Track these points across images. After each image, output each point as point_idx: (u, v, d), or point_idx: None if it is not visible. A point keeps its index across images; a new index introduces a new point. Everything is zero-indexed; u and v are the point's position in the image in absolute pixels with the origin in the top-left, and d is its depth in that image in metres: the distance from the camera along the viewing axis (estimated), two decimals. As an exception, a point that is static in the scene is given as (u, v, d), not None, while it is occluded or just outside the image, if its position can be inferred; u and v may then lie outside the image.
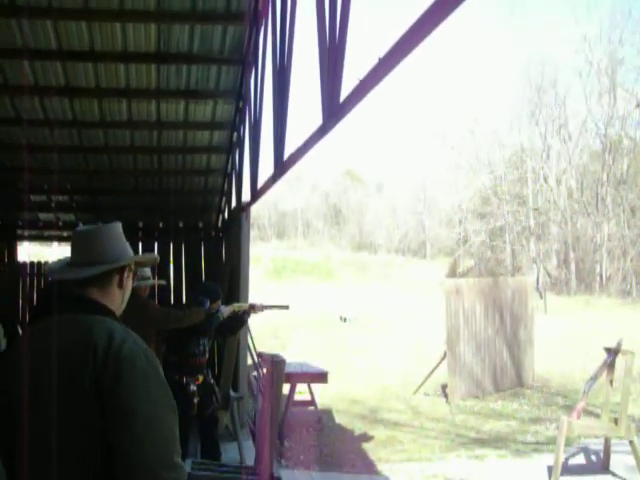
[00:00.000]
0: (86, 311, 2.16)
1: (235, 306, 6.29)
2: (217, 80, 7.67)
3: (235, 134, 8.66)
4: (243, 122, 8.10)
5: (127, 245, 2.38)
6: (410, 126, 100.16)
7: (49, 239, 12.12)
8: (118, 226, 2.39)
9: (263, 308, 6.34)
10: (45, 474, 1.97)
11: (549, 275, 44.97)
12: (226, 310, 6.03)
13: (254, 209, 8.41)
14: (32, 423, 1.99)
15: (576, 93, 48.48)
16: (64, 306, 2.19)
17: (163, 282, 8.50)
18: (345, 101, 3.27)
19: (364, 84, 3.00)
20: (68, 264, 2.33)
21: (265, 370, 4.95)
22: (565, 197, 45.67)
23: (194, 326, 5.77)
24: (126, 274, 2.32)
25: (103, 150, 9.00)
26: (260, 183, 6.82)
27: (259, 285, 34.07)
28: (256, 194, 7.00)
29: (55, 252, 26.37)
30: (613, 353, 7.99)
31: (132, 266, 2.38)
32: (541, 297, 30.95)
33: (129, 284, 2.37)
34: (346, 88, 3.26)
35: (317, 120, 3.73)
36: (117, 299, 2.31)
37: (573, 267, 43.86)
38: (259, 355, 8.98)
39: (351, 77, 3.11)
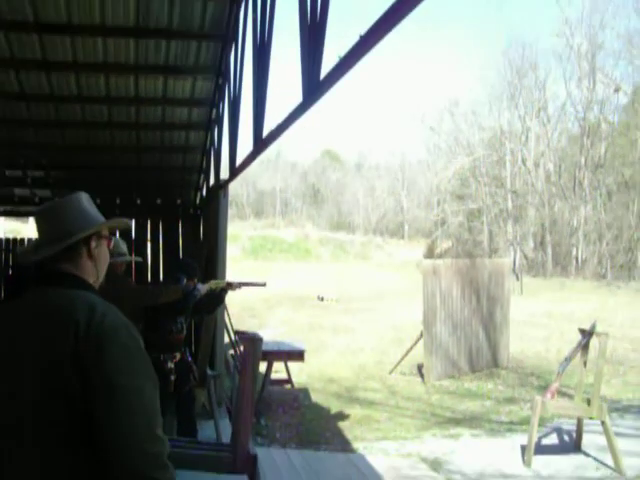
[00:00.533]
0: (64, 286, 2.13)
1: (212, 283, 6.25)
2: (196, 56, 7.58)
3: (214, 111, 8.60)
4: (222, 99, 8.04)
5: (91, 214, 2.29)
6: (389, 106, 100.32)
7: (25, 215, 11.99)
8: (78, 197, 2.30)
9: (240, 285, 6.31)
10: (23, 451, 1.96)
11: (526, 257, 45.36)
12: (203, 288, 5.99)
13: (232, 187, 8.38)
14: (10, 399, 1.98)
15: (556, 76, 48.67)
16: (42, 282, 2.16)
17: (139, 259, 8.45)
18: (325, 78, 3.25)
19: (345, 61, 2.98)
20: (37, 245, 2.27)
21: (243, 348, 4.95)
22: (543, 180, 45.99)
23: (171, 304, 5.74)
24: (93, 244, 2.24)
25: (80, 125, 8.89)
26: (239, 160, 6.78)
27: (237, 263, 34.11)
28: (235, 171, 6.97)
29: (31, 228, 26.12)
30: (587, 335, 8.07)
31: (102, 233, 2.31)
32: (517, 279, 31.25)
33: (101, 254, 2.29)
34: (326, 65, 3.25)
35: (297, 97, 3.71)
36: (91, 271, 2.25)
37: (549, 250, 44.29)
38: (237, 333, 8.98)
39: (332, 54, 3.09)
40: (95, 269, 2.26)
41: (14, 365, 1.99)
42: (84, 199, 2.31)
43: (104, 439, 1.92)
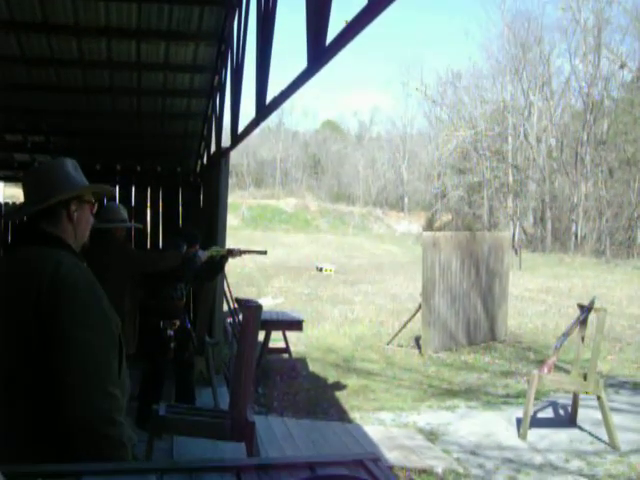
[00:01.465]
0: (40, 243, 2.22)
1: (213, 250, 6.24)
2: (199, 21, 7.47)
3: (216, 78, 8.52)
4: (225, 65, 7.96)
5: (73, 179, 2.35)
6: (391, 77, 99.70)
7: (24, 180, 11.93)
8: (61, 162, 2.38)
9: (241, 253, 6.30)
10: None
11: (525, 232, 45.39)
12: (204, 254, 5.99)
13: (233, 157, 8.31)
14: None
15: (561, 51, 48.33)
16: (22, 240, 2.27)
17: (139, 225, 8.43)
18: (331, 44, 3.20)
19: (351, 27, 2.92)
20: (20, 206, 2.41)
21: (242, 316, 4.95)
22: (544, 155, 45.85)
23: (171, 270, 5.74)
24: (73, 207, 2.32)
25: (81, 90, 8.80)
26: (240, 128, 6.73)
27: (236, 233, 34.11)
28: (237, 139, 6.91)
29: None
30: (586, 310, 8.08)
31: (85, 198, 2.38)
32: (516, 254, 31.26)
33: (82, 218, 2.36)
34: (333, 30, 3.19)
35: (302, 63, 3.65)
36: (70, 233, 2.32)
37: (549, 225, 44.30)
38: (236, 301, 8.99)
39: (338, 19, 3.04)
40: (74, 232, 2.34)
41: None
42: (68, 164, 2.39)
43: (56, 390, 2.01)
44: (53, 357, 2.01)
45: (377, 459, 1.74)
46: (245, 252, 6.37)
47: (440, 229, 45.57)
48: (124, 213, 5.88)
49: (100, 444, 2.01)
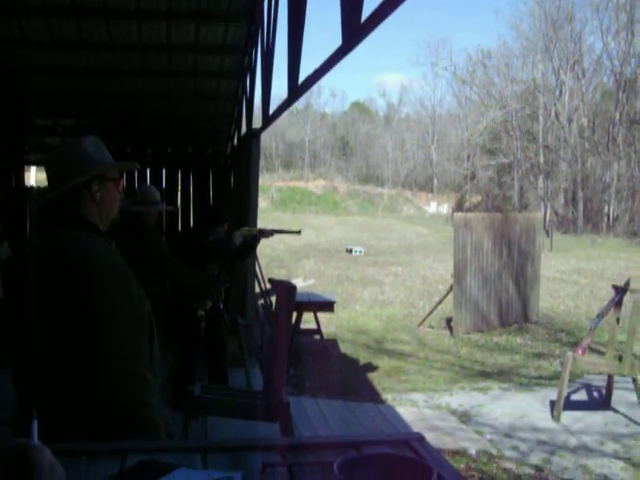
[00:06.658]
0: (66, 225, 2.20)
1: (244, 231, 6.21)
2: (229, 1, 7.43)
3: (246, 59, 8.48)
4: (255, 46, 7.91)
5: (92, 158, 2.28)
6: (420, 58, 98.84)
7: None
8: (79, 142, 2.31)
9: (272, 233, 6.25)
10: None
11: (556, 213, 44.94)
12: (238, 238, 5.95)
13: (262, 139, 8.27)
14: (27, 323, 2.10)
15: (592, 28, 47.57)
16: (48, 221, 2.24)
17: (172, 208, 8.42)
18: (367, 21, 3.13)
19: (389, 1, 2.85)
20: (45, 189, 2.37)
21: (276, 296, 4.94)
22: (576, 135, 45.26)
23: (204, 252, 5.73)
24: (95, 187, 2.26)
25: (111, 73, 8.81)
26: (272, 109, 6.69)
27: (265, 215, 34.17)
28: (268, 120, 6.88)
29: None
30: (621, 291, 7.97)
31: (107, 175, 2.32)
32: (548, 235, 30.96)
33: (105, 197, 2.31)
34: (368, 6, 3.12)
35: (336, 40, 3.59)
36: (95, 213, 2.29)
37: (581, 206, 43.83)
38: (270, 281, 8.97)
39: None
40: (99, 212, 2.31)
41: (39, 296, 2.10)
42: (87, 143, 2.33)
43: (86, 372, 2.01)
44: (81, 339, 2.01)
45: (422, 438, 1.71)
46: (277, 232, 6.31)
47: (470, 210, 45.29)
48: (157, 195, 5.85)
49: (129, 425, 2.01)
